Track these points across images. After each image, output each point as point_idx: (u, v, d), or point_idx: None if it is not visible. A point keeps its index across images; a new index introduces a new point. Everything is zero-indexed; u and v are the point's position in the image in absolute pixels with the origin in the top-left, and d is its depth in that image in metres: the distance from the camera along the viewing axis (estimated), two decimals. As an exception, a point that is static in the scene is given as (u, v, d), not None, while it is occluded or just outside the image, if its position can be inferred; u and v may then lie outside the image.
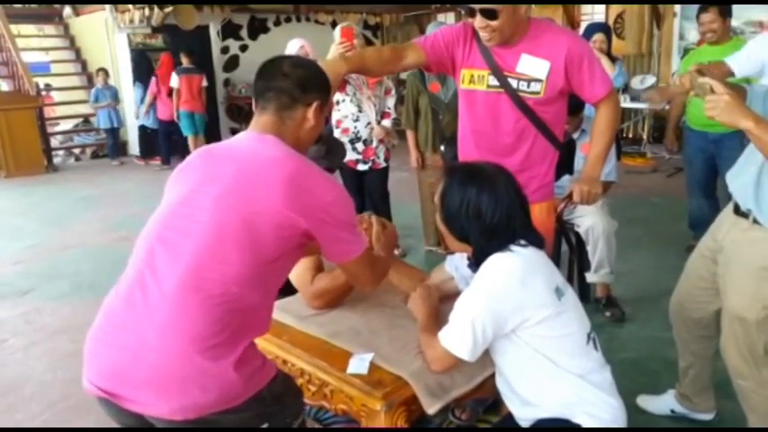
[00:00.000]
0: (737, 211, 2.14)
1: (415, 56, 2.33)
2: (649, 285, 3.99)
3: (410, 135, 4.64)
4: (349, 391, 1.72)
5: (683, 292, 2.44)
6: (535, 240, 1.72)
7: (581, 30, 6.18)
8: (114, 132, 9.95)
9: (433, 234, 4.75)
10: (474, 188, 1.69)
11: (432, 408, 1.66)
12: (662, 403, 2.64)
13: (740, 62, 3.31)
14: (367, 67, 2.30)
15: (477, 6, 2.13)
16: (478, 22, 2.16)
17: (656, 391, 2.70)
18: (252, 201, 1.45)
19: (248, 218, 1.44)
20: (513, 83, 2.26)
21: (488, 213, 1.67)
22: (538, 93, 2.26)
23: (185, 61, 8.99)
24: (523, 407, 1.70)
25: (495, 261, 1.66)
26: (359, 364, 1.75)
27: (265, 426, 1.47)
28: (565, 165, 2.56)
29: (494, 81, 2.28)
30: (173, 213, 1.52)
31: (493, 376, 1.79)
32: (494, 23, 2.14)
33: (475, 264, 1.73)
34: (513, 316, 1.61)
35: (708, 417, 2.58)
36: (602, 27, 5.01)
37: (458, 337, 1.65)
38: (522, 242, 1.69)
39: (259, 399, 1.44)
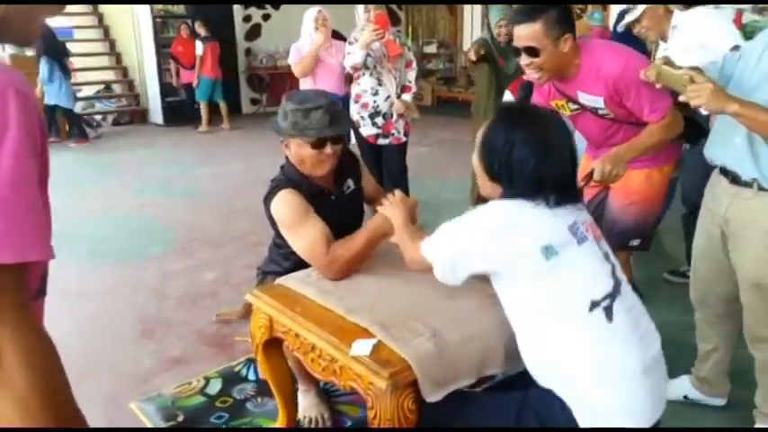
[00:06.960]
0: (736, 181, 2.13)
1: None
2: (668, 268, 3.92)
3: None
4: (357, 369, 1.70)
5: (702, 274, 2.40)
6: (566, 198, 1.63)
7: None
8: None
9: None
10: (522, 133, 1.62)
11: (431, 397, 1.63)
12: (675, 389, 2.58)
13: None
14: None
15: (520, 45, 2.33)
16: (523, 59, 2.36)
17: (671, 375, 2.64)
18: None
19: None
20: (587, 105, 2.52)
21: (528, 163, 1.58)
22: (608, 114, 2.50)
23: (204, 30, 9.21)
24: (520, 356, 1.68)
25: (488, 206, 1.66)
26: (362, 346, 1.71)
27: None
28: (696, 131, 2.60)
29: (574, 106, 2.56)
30: None
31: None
32: (536, 60, 2.32)
33: None
34: (483, 264, 1.63)
35: (721, 402, 2.56)
36: None
37: (436, 254, 1.71)
38: (552, 199, 1.58)
39: None
